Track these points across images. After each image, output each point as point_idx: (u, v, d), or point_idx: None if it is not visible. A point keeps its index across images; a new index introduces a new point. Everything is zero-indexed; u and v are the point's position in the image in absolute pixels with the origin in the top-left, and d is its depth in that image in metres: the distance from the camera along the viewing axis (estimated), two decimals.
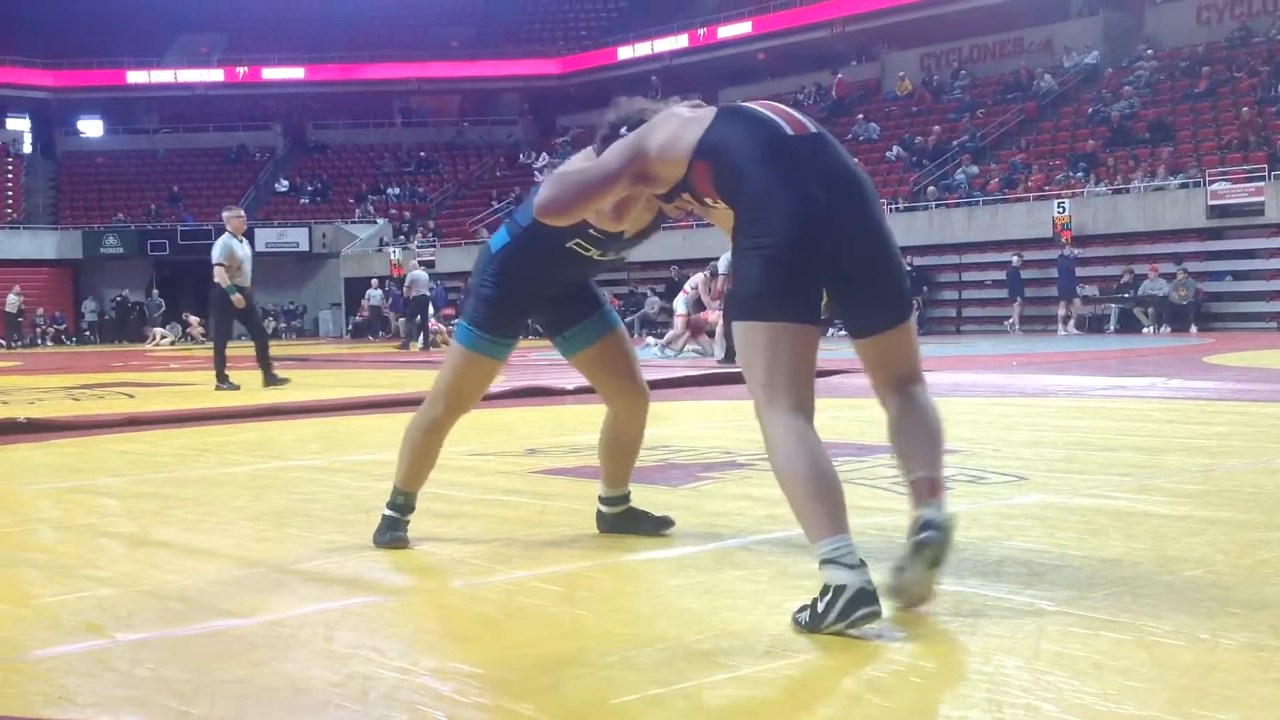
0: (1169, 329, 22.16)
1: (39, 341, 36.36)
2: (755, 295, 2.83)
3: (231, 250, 12.05)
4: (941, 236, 27.47)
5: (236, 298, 12.12)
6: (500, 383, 11.32)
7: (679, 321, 18.33)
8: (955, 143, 31.41)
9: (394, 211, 41.21)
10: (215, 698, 2.42)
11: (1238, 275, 23.25)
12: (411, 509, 3.88)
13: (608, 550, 3.72)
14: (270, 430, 8.05)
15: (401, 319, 25.17)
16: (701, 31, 40.78)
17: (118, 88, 45.35)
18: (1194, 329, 21.83)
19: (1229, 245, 23.52)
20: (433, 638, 2.84)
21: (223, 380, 12.00)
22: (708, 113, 3.06)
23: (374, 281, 35.16)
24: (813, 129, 2.94)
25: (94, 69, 44.72)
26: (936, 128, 32.41)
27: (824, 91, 37.89)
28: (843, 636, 2.68)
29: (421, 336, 23.33)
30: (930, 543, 2.80)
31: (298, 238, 40.28)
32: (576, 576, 3.44)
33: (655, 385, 11.57)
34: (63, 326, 38.15)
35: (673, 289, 22.52)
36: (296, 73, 45.69)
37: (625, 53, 42.54)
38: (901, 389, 3.00)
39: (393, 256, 35.16)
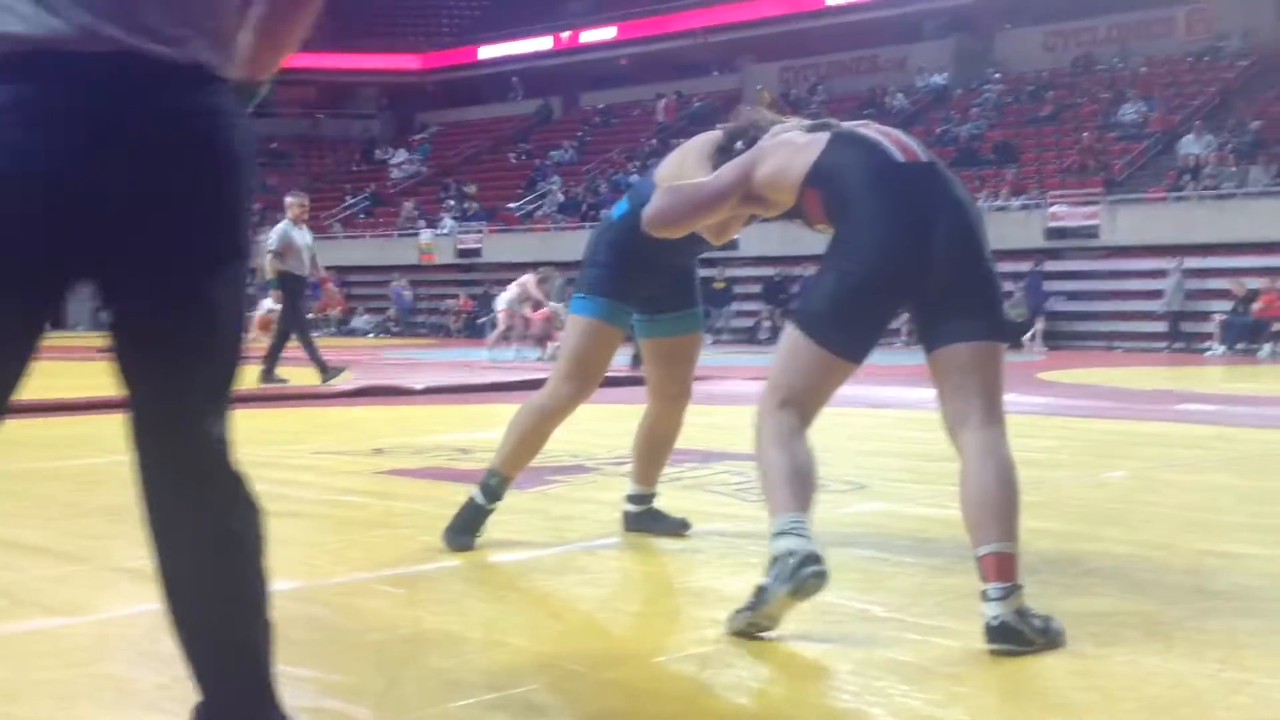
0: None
1: None
2: (818, 314, 2.86)
3: (289, 239, 11.40)
4: (797, 248, 27.92)
5: (275, 293, 11.50)
6: (348, 380, 11.16)
7: (502, 318, 17.32)
8: None
9: None
10: (37, 698, 2.35)
11: (1071, 295, 24.07)
12: (499, 497, 3.75)
13: (451, 553, 3.68)
14: (104, 424, 7.79)
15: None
16: (565, 35, 40.74)
17: None
18: (1028, 346, 22.56)
19: (1065, 266, 24.35)
20: None
21: (270, 375, 10.96)
22: (821, 139, 3.01)
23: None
24: (923, 157, 2.93)
25: None
26: None
27: (685, 100, 38.23)
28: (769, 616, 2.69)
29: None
30: (1003, 653, 2.62)
31: None
32: (418, 579, 3.40)
33: (499, 388, 11.30)
34: None
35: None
36: None
37: (486, 52, 42.20)
38: (979, 429, 2.89)
39: None
